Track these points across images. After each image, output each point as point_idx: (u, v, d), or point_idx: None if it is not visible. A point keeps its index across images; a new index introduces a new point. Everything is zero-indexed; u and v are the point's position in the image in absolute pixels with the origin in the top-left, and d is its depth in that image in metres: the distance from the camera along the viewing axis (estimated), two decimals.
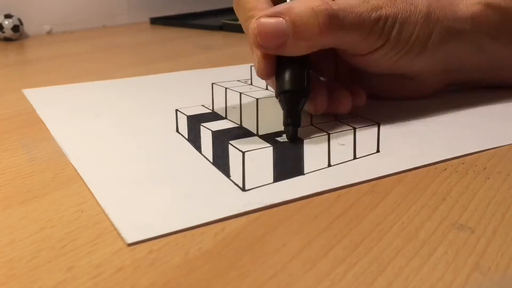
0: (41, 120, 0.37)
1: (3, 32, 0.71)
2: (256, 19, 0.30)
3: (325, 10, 0.30)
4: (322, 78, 0.38)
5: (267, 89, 0.42)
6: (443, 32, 0.35)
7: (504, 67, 0.39)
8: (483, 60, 0.38)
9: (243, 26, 0.35)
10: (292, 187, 0.26)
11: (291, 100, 0.31)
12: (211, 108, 0.38)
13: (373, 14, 0.32)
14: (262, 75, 0.32)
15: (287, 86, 0.31)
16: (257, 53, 0.31)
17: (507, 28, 0.37)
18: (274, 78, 0.32)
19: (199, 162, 0.29)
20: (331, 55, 0.38)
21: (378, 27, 0.32)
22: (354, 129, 0.32)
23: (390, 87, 0.39)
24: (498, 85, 0.41)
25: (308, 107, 0.34)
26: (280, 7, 0.30)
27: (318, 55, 0.34)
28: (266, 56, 0.31)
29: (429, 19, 0.34)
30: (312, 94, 0.33)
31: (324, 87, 0.35)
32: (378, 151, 0.30)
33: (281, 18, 0.30)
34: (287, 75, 0.31)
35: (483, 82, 0.41)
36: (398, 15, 0.33)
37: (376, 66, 0.36)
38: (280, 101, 0.31)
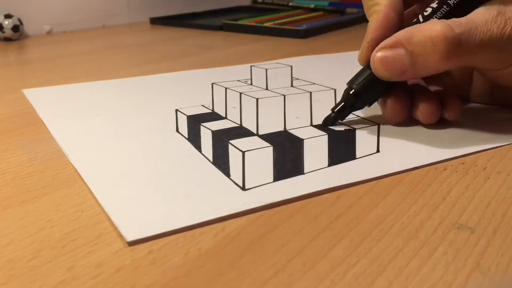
0: (41, 120, 0.37)
1: (3, 32, 0.71)
2: (378, 51, 0.31)
3: (445, 40, 0.29)
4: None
5: (267, 89, 0.42)
6: None
7: None
8: None
9: (366, 14, 0.35)
10: (292, 186, 0.26)
11: (349, 96, 0.33)
12: (211, 108, 0.38)
13: (508, 30, 0.29)
14: (359, 61, 0.34)
15: (356, 82, 0.33)
16: (364, 44, 0.33)
17: None
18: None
19: (199, 162, 0.29)
20: (468, 68, 0.36)
21: None
22: (354, 129, 0.33)
23: None
24: None
25: (383, 111, 0.34)
26: (401, 34, 0.30)
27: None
28: (369, 49, 0.32)
29: None
30: (388, 100, 0.33)
31: (403, 95, 0.33)
32: (378, 151, 0.30)
33: (401, 49, 0.30)
34: (366, 74, 0.33)
35: None
36: None
37: (508, 80, 0.33)
38: (345, 90, 0.34)
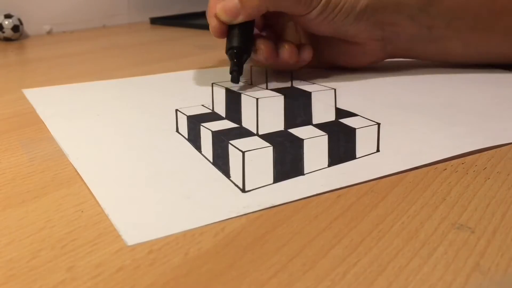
0: (41, 120, 0.37)
1: (3, 32, 0.71)
2: (219, 2, 0.42)
3: None
4: (264, 34, 0.48)
5: (267, 89, 0.42)
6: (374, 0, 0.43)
7: (433, 40, 0.46)
8: (415, 29, 0.45)
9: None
10: (292, 188, 0.26)
11: (236, 54, 0.42)
12: (211, 108, 0.38)
13: None
14: (216, 35, 0.44)
15: (233, 43, 0.43)
16: (212, 21, 0.44)
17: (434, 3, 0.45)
18: (226, 38, 0.44)
19: (199, 163, 0.29)
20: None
21: None
22: (354, 129, 0.32)
23: (341, 53, 0.48)
24: (440, 60, 0.50)
25: (256, 57, 0.44)
26: None
27: (287, 25, 0.46)
28: (220, 22, 0.43)
29: None
30: (256, 46, 0.43)
31: (268, 40, 0.44)
32: (378, 151, 0.30)
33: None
34: (234, 35, 0.43)
35: (425, 55, 0.49)
36: None
37: (315, 26, 0.44)
38: (228, 55, 0.43)
